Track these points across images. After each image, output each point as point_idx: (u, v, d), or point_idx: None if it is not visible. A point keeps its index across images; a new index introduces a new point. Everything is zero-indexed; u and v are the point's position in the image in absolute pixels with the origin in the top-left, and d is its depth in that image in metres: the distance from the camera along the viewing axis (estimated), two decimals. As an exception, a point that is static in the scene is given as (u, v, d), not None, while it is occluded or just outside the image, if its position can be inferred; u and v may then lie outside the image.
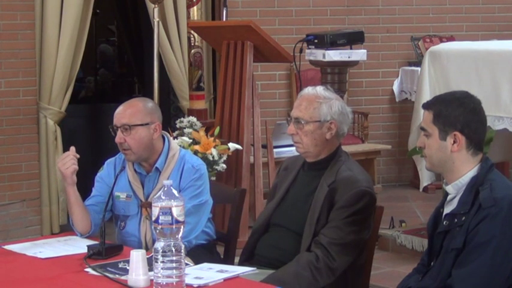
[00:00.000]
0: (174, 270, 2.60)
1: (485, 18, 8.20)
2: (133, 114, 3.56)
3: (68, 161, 3.44)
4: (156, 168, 3.60)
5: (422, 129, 2.98)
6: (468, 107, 2.91)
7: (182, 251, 2.62)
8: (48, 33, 6.42)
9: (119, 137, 3.55)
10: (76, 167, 3.46)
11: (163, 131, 3.68)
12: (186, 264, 2.74)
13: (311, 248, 3.26)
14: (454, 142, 2.90)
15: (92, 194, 3.71)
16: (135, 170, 3.64)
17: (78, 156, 3.47)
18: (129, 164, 3.64)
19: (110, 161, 3.75)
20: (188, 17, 6.95)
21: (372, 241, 3.41)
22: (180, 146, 4.41)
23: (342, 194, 3.28)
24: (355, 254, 3.30)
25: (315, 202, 3.32)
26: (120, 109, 3.61)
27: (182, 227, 2.64)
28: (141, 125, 3.55)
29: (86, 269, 3.00)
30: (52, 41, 6.43)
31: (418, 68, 6.21)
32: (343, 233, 3.24)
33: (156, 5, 5.99)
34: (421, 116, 3.08)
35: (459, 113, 2.90)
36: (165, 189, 2.64)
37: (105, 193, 3.62)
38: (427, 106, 2.98)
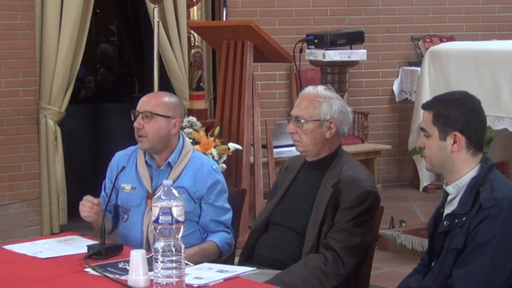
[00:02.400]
0: (174, 270, 2.60)
1: (485, 18, 8.20)
2: (157, 104, 3.60)
3: (83, 209, 3.48)
4: (169, 163, 3.61)
5: (422, 129, 2.98)
6: (468, 107, 2.91)
7: (182, 251, 2.62)
8: (48, 33, 6.42)
9: (138, 122, 3.58)
10: (87, 214, 3.48)
11: (180, 131, 3.70)
12: (186, 264, 2.74)
13: (320, 249, 3.26)
14: (454, 142, 2.90)
15: (103, 193, 3.75)
16: (146, 161, 3.65)
17: (95, 202, 3.48)
18: (141, 155, 3.66)
19: (120, 153, 3.78)
20: (188, 17, 6.95)
21: (372, 241, 3.41)
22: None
23: (347, 194, 3.28)
24: (361, 256, 3.31)
25: (318, 202, 3.32)
26: (145, 97, 3.66)
27: (182, 227, 2.64)
28: (163, 116, 3.58)
29: (86, 269, 2.99)
30: (52, 41, 6.43)
31: (418, 68, 6.21)
32: (352, 235, 3.25)
33: (156, 5, 5.99)
34: (421, 116, 3.08)
35: (459, 113, 2.90)
36: (165, 189, 2.65)
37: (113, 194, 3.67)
38: (426, 106, 2.98)
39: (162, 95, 3.72)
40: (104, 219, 3.32)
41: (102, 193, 3.75)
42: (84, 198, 3.51)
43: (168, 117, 3.59)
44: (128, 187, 3.65)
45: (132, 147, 3.73)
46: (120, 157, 3.75)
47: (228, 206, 3.66)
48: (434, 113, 2.92)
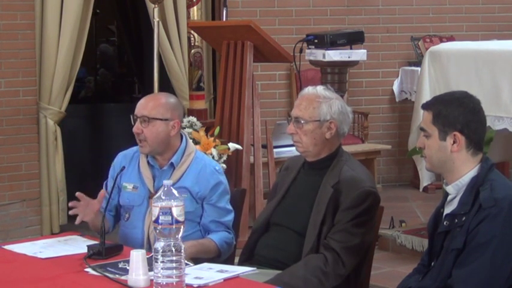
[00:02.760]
0: (174, 270, 2.60)
1: (485, 18, 8.20)
2: (154, 108, 3.58)
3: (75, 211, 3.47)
4: (171, 163, 3.61)
5: (421, 129, 2.98)
6: (468, 107, 2.91)
7: (182, 251, 2.62)
8: (48, 33, 6.42)
9: (137, 127, 3.58)
10: (76, 213, 3.46)
11: (181, 130, 3.69)
12: (186, 264, 2.74)
13: (320, 250, 3.26)
14: (454, 142, 2.90)
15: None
16: (148, 162, 3.65)
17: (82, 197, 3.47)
18: (143, 155, 3.66)
19: (121, 154, 3.78)
20: (188, 17, 6.95)
21: (372, 241, 3.41)
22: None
23: (347, 195, 3.28)
24: (361, 256, 3.30)
25: (319, 202, 3.32)
26: (142, 100, 3.64)
27: (182, 227, 2.64)
28: (161, 119, 3.56)
29: (86, 269, 2.99)
30: (52, 41, 6.42)
31: (418, 68, 6.21)
32: (352, 235, 3.25)
33: (156, 5, 5.99)
34: (421, 116, 3.08)
35: (459, 113, 2.89)
36: (165, 189, 2.64)
37: (115, 193, 3.66)
38: (426, 106, 2.98)
39: (159, 97, 3.70)
40: (103, 219, 3.32)
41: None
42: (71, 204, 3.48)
43: (166, 119, 3.57)
44: (129, 186, 3.65)
45: (135, 148, 3.73)
46: (122, 157, 3.75)
47: (230, 207, 3.66)
48: (434, 113, 2.92)
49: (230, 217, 3.65)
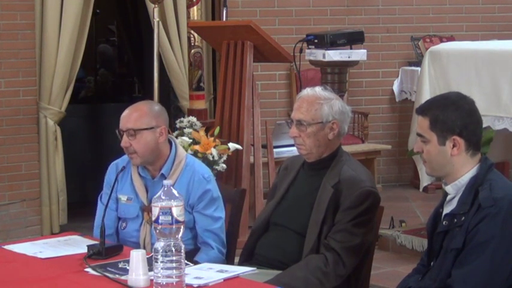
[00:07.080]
0: (174, 270, 2.60)
1: (485, 18, 8.20)
2: (138, 119, 3.52)
3: None
4: (162, 174, 3.57)
5: (419, 135, 2.95)
6: (464, 110, 2.90)
7: (182, 251, 2.62)
8: (48, 33, 6.42)
9: (125, 141, 3.52)
10: None
11: (170, 136, 3.65)
12: (186, 264, 2.74)
13: (320, 250, 3.26)
14: (454, 146, 2.89)
15: (99, 207, 3.67)
16: (139, 173, 3.61)
17: None
18: (134, 166, 3.62)
19: (113, 164, 3.74)
20: (188, 17, 6.95)
21: (372, 241, 3.41)
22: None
23: (347, 195, 3.28)
24: (361, 256, 3.30)
25: (319, 202, 3.32)
26: (125, 113, 3.57)
27: (182, 227, 2.64)
28: (147, 129, 3.51)
29: (86, 269, 2.99)
30: (52, 41, 6.43)
31: (418, 68, 6.22)
32: (352, 235, 3.25)
33: (156, 5, 5.99)
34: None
35: (456, 117, 2.88)
36: (165, 189, 2.65)
37: (112, 203, 3.62)
38: (421, 112, 2.94)
39: (141, 107, 3.60)
40: (103, 219, 3.31)
41: (100, 205, 3.68)
42: None
43: (152, 128, 3.52)
44: (124, 198, 3.61)
45: (126, 157, 3.65)
46: (114, 168, 3.69)
47: (218, 214, 3.60)
48: (431, 119, 2.90)
49: (218, 225, 3.60)
